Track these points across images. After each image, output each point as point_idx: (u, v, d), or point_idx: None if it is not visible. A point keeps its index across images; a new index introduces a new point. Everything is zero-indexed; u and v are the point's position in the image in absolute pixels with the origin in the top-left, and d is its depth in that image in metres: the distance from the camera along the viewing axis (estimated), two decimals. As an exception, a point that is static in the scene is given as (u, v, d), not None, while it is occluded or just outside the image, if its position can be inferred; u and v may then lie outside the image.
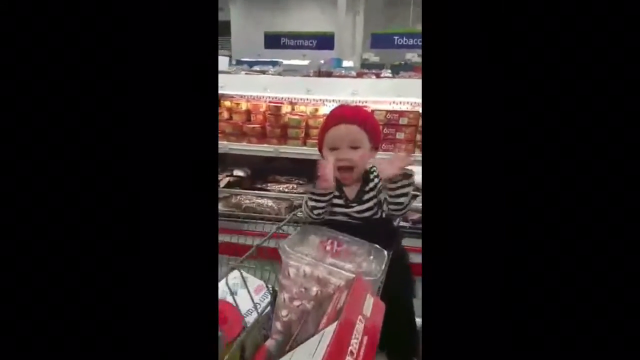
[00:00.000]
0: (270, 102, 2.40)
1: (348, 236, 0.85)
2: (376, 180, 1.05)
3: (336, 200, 1.04)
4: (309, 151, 2.38)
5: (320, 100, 2.47)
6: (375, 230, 1.00)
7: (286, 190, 2.33)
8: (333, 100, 2.44)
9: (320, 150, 1.13)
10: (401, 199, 0.97)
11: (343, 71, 2.88)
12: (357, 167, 1.04)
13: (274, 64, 3.65)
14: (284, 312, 0.72)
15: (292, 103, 2.55)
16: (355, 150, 1.03)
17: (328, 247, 0.76)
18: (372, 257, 0.78)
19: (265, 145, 2.39)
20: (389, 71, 2.90)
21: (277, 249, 1.04)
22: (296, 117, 2.37)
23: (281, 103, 2.42)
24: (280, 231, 1.00)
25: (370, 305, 0.59)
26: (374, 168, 1.08)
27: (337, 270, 0.67)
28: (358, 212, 1.04)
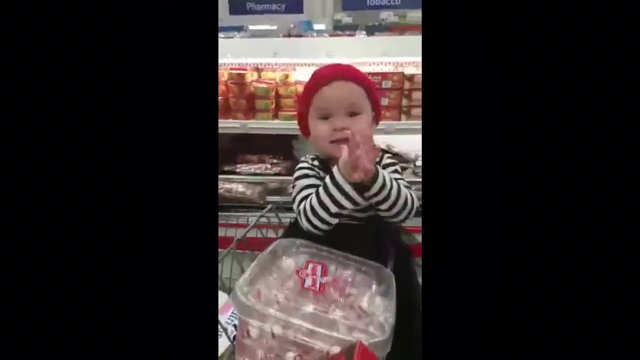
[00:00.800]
0: (232, 68, 2.05)
1: (332, 251, 0.60)
2: (387, 160, 0.78)
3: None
4: (282, 125, 2.09)
5: (291, 64, 2.15)
6: (382, 232, 0.75)
7: (259, 171, 2.05)
8: (305, 64, 2.12)
9: (301, 122, 0.83)
10: (383, 206, 0.68)
11: (315, 34, 2.59)
12: (355, 142, 0.72)
13: (239, 29, 3.29)
14: (247, 386, 0.48)
15: (257, 69, 2.22)
16: (355, 117, 0.74)
17: (308, 281, 0.51)
18: (373, 286, 0.54)
19: (230, 120, 2.07)
20: (364, 32, 2.68)
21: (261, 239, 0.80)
22: (264, 85, 2.05)
23: (244, 69, 2.07)
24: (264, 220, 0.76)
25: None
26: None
27: (324, 332, 0.43)
28: (362, 208, 0.74)
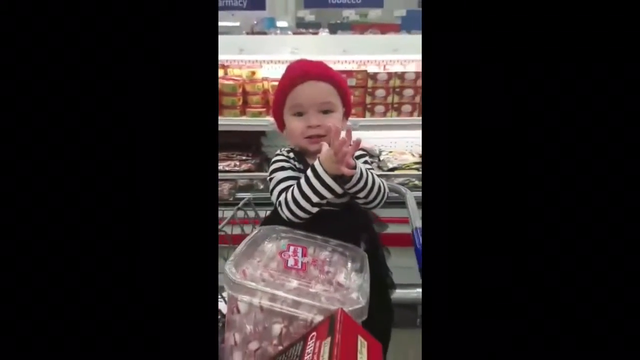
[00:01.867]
0: (197, 66, 2.04)
1: (310, 235, 0.65)
2: (358, 152, 0.83)
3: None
4: (249, 122, 2.11)
5: (257, 61, 2.16)
6: (356, 217, 0.81)
7: (227, 168, 2.05)
8: (271, 61, 2.15)
9: (277, 117, 0.88)
10: (361, 194, 0.74)
11: (278, 31, 2.61)
12: (330, 138, 0.73)
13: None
14: (237, 357, 0.52)
15: (224, 66, 2.21)
16: (326, 115, 0.80)
17: (291, 261, 0.55)
18: (349, 263, 0.59)
19: (196, 117, 2.06)
20: (327, 30, 2.73)
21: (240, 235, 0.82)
22: (230, 82, 2.05)
23: (211, 67, 2.06)
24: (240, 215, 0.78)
25: (365, 351, 0.41)
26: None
27: (307, 302, 0.48)
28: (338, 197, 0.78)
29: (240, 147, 2.24)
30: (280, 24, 4.16)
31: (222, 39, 2.21)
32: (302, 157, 0.83)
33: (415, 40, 1.99)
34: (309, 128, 0.79)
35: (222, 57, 2.13)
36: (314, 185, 0.70)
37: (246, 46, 2.05)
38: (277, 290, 0.49)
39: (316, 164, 0.71)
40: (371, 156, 2.28)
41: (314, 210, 0.72)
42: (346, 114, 0.87)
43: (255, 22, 3.68)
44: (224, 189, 1.92)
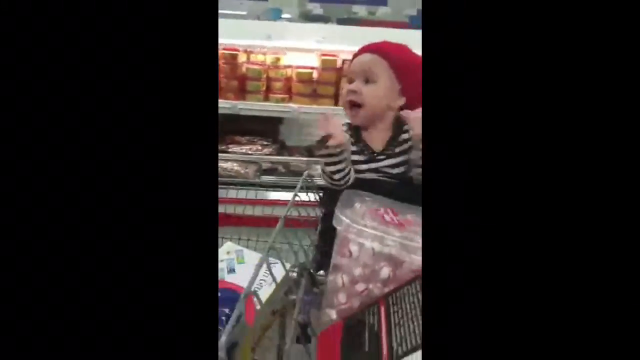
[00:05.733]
0: (225, 48, 2.06)
1: (393, 201, 0.70)
2: (411, 132, 0.89)
3: (356, 157, 0.85)
4: (272, 107, 2.15)
5: (282, 48, 2.19)
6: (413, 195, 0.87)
7: (250, 152, 2.09)
8: (296, 49, 2.18)
9: None
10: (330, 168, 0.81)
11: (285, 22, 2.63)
12: (366, 107, 0.84)
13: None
14: (341, 298, 0.57)
15: (247, 52, 2.24)
16: (368, 84, 0.84)
17: (387, 218, 0.61)
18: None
19: (220, 100, 2.08)
20: (335, 25, 2.75)
21: (297, 219, 0.87)
22: (256, 67, 2.09)
23: (237, 50, 2.09)
24: (297, 199, 0.83)
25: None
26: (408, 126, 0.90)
27: (417, 246, 0.53)
28: (390, 166, 0.85)
29: (257, 133, 2.28)
30: (285, 15, 4.18)
31: (248, 23, 2.25)
32: (356, 130, 0.89)
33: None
34: (348, 92, 0.85)
35: (250, 42, 2.15)
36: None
37: (274, 32, 2.09)
38: (388, 235, 0.54)
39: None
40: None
41: (337, 176, 0.80)
42: (403, 92, 0.87)
43: (261, 12, 3.69)
44: (249, 171, 1.96)
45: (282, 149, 2.27)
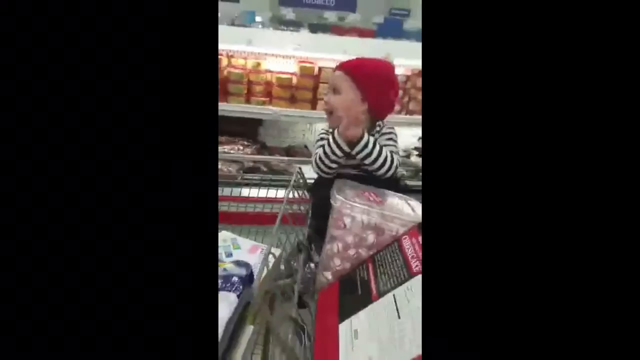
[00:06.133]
0: (208, 53, 2.16)
1: (372, 187, 0.86)
2: (385, 130, 1.07)
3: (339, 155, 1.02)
4: (252, 109, 2.26)
5: (262, 54, 2.32)
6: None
7: (232, 151, 2.19)
8: (276, 55, 2.32)
9: None
10: (366, 161, 1.00)
11: (260, 26, 2.71)
12: (336, 112, 1.03)
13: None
14: (336, 262, 0.72)
15: (228, 56, 2.35)
16: (335, 95, 1.05)
17: (371, 198, 0.76)
18: (410, 202, 0.81)
19: (203, 102, 2.18)
20: (307, 30, 2.85)
21: (296, 214, 1.01)
22: (238, 70, 2.20)
23: (219, 54, 2.20)
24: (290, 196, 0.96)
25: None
26: (380, 122, 1.09)
27: (394, 216, 0.69)
28: (366, 164, 1.02)
29: (237, 134, 2.39)
30: (258, 19, 4.24)
31: (230, 29, 2.36)
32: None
33: (406, 45, 2.27)
34: (324, 102, 1.09)
35: (228, 46, 2.26)
36: (331, 145, 0.99)
37: (255, 38, 2.21)
38: (372, 209, 0.70)
39: (335, 131, 1.00)
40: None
41: (333, 166, 1.00)
42: (365, 99, 1.06)
43: (236, 15, 3.76)
44: (232, 169, 2.06)
45: (263, 149, 2.39)
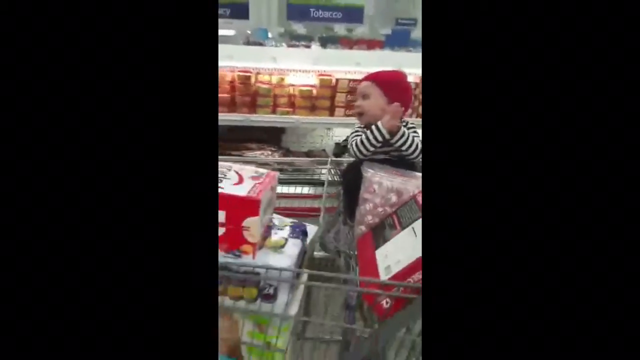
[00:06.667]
0: (239, 71, 2.49)
1: (395, 168, 1.13)
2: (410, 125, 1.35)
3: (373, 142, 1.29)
4: (278, 119, 2.57)
5: (285, 69, 2.63)
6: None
7: (263, 156, 2.49)
8: (297, 70, 2.62)
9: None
10: (403, 147, 1.25)
11: (273, 42, 2.97)
12: (366, 113, 1.31)
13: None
14: (368, 218, 0.99)
15: (256, 73, 2.66)
16: (365, 100, 1.32)
17: (394, 172, 1.03)
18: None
19: (234, 114, 2.50)
20: (318, 43, 3.08)
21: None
22: (266, 85, 2.51)
23: (250, 72, 2.52)
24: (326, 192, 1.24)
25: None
26: (406, 121, 1.37)
27: (410, 179, 0.96)
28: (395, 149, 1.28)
29: (264, 141, 2.70)
30: (270, 35, 4.46)
31: (255, 49, 2.67)
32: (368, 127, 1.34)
33: (415, 56, 2.57)
34: (355, 107, 1.36)
35: (256, 65, 2.59)
36: (374, 133, 1.24)
37: (278, 56, 2.54)
38: (394, 178, 0.97)
39: (379, 122, 1.26)
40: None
41: (371, 149, 1.24)
42: (390, 101, 1.33)
43: (249, 32, 4.06)
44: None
45: (288, 152, 2.68)
